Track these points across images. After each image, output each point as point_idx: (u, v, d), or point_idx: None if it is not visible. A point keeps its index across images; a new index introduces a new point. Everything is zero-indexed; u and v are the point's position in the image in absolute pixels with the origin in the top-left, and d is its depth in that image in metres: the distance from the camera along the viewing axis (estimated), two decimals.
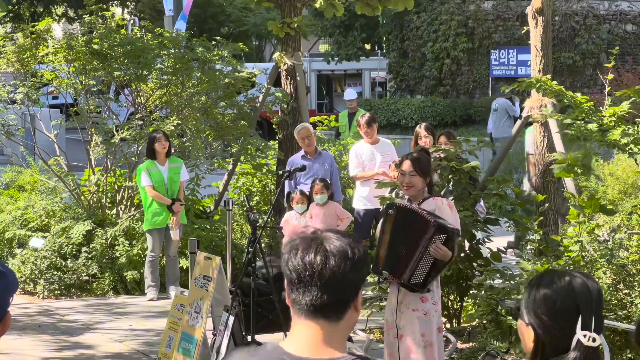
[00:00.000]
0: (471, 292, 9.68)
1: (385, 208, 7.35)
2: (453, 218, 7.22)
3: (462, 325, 10.03)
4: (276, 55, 13.84)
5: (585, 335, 2.86)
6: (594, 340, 2.87)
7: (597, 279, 8.23)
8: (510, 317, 8.68)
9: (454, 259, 7.46)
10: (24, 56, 13.24)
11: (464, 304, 10.09)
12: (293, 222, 10.54)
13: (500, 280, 9.68)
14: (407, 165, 7.24)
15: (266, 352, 2.75)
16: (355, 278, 2.71)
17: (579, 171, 9.23)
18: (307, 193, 10.81)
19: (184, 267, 11.98)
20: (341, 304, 2.70)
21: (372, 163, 11.94)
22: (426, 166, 7.34)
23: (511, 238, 12.80)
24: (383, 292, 9.19)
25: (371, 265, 7.16)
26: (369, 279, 8.93)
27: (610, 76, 10.26)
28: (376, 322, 10.01)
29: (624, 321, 7.91)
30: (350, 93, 18.24)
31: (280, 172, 11.44)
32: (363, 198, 12.05)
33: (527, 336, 2.96)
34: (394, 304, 7.22)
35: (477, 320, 9.71)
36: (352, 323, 2.76)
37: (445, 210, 7.20)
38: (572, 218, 9.12)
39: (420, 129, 11.58)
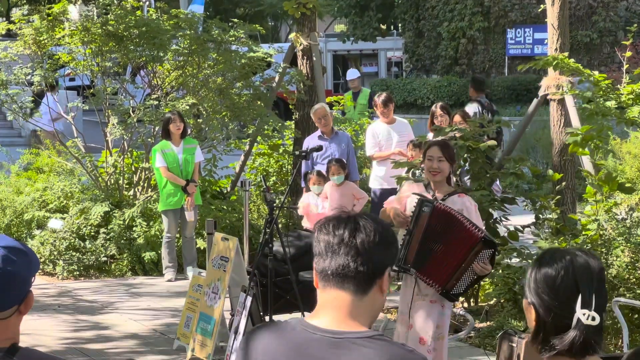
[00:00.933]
0: None
1: (420, 204, 6.99)
2: (478, 220, 7.16)
3: (479, 304, 10.03)
4: (292, 35, 13.83)
5: (584, 314, 2.85)
6: (593, 319, 2.85)
7: (615, 257, 8.24)
8: None
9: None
10: (41, 38, 13.27)
11: (481, 283, 10.08)
12: (311, 203, 10.58)
13: (518, 259, 9.67)
14: (435, 150, 7.09)
15: (290, 326, 2.80)
16: (381, 254, 2.78)
17: (592, 146, 9.17)
18: (325, 174, 10.82)
19: (202, 248, 12.01)
20: (366, 277, 2.75)
21: (388, 143, 11.93)
22: (453, 152, 7.28)
23: (528, 217, 12.76)
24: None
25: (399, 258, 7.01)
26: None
27: (628, 54, 10.18)
28: (394, 301, 10.01)
29: None
30: (351, 73, 18.23)
31: (296, 153, 11.45)
32: (380, 178, 12.05)
33: (530, 315, 2.96)
34: (409, 297, 7.13)
35: (494, 299, 9.71)
36: (377, 305, 2.80)
37: (472, 212, 7.09)
38: (589, 196, 9.09)
39: (436, 109, 11.58)
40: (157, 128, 13.02)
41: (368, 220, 2.80)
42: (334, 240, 2.78)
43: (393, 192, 11.40)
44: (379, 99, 12.05)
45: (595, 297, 2.87)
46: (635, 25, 12.01)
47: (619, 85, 9.42)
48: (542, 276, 2.92)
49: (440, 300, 7.08)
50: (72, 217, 12.62)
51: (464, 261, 6.91)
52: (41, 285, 11.58)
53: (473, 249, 6.87)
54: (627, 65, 9.91)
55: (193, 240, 12.03)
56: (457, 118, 10.90)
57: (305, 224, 10.69)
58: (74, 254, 12.26)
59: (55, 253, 12.25)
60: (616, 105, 8.98)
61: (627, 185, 9.43)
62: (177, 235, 12.06)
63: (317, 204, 10.58)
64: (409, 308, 7.12)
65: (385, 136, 11.95)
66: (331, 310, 2.76)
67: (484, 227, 7.26)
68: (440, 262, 6.97)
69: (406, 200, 7.26)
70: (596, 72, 9.49)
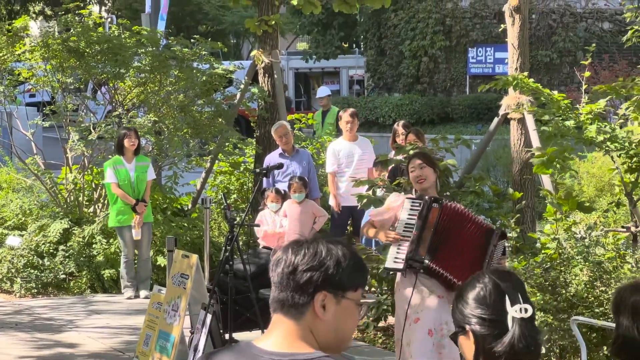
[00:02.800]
0: None
1: (429, 201, 7.14)
2: None
3: None
4: (254, 53, 13.83)
5: (516, 310, 2.91)
6: (526, 310, 2.91)
7: (574, 276, 8.30)
8: None
9: None
10: (0, 54, 13.17)
11: None
12: (268, 220, 10.56)
13: None
14: (414, 161, 7.33)
15: (239, 349, 2.83)
16: (300, 278, 2.76)
17: (557, 166, 9.23)
18: (283, 192, 10.81)
19: (162, 265, 11.94)
20: (289, 303, 2.77)
21: (349, 160, 11.95)
22: (431, 158, 7.54)
23: None
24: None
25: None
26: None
27: (587, 74, 10.28)
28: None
29: (601, 318, 7.94)
30: (321, 91, 18.20)
31: (257, 170, 11.44)
32: (339, 196, 12.05)
33: (468, 343, 3.01)
34: (407, 295, 7.15)
35: None
36: (320, 329, 2.78)
37: None
38: (549, 215, 9.14)
39: (398, 127, 11.63)
40: None
41: (304, 246, 2.80)
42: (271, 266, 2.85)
43: (353, 209, 11.45)
44: (346, 112, 12.13)
45: (520, 295, 2.94)
46: (594, 45, 12.13)
47: (577, 105, 9.50)
48: (469, 299, 3.01)
49: (448, 296, 7.12)
50: (31, 234, 12.51)
51: (485, 257, 7.00)
52: None
53: (492, 242, 7.01)
54: (586, 85, 10.01)
55: (148, 260, 11.94)
56: (412, 137, 10.94)
57: (261, 241, 10.68)
58: (32, 271, 12.15)
59: (13, 270, 12.13)
60: (575, 125, 9.06)
61: (586, 204, 9.50)
62: (136, 252, 11.98)
63: (274, 221, 10.57)
64: (408, 304, 7.11)
65: (347, 153, 11.97)
66: (276, 332, 2.79)
67: None
68: (458, 257, 7.06)
69: (397, 209, 7.28)
70: (555, 92, 9.57)
